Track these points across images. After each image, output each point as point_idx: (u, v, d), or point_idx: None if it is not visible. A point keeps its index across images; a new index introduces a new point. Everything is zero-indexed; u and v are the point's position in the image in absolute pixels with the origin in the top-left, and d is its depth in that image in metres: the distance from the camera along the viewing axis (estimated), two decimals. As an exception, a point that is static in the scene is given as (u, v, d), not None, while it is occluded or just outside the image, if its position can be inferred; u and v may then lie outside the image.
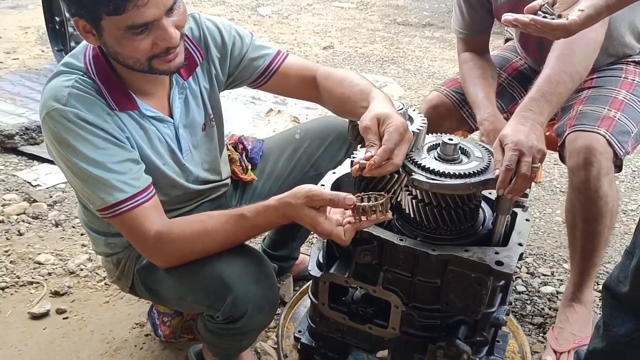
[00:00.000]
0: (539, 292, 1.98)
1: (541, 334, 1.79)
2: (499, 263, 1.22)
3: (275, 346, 1.68)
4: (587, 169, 1.58)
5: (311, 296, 1.53)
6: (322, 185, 1.44)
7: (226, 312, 1.30)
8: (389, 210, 1.19)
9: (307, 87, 1.52)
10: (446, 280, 1.29)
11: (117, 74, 1.31)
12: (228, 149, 1.67)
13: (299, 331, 1.64)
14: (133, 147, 1.31)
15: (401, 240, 1.27)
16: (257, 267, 1.33)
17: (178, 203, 1.48)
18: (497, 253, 1.25)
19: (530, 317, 1.88)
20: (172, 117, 1.41)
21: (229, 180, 1.63)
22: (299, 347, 1.61)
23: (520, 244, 1.29)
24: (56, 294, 1.96)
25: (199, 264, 1.30)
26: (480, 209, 1.40)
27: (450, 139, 1.29)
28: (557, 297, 1.97)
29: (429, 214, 1.31)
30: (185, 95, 1.43)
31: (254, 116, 3.27)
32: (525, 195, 1.24)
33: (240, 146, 1.69)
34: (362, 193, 1.21)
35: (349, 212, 1.18)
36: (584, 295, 1.76)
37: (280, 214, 1.21)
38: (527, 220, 1.38)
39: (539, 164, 1.21)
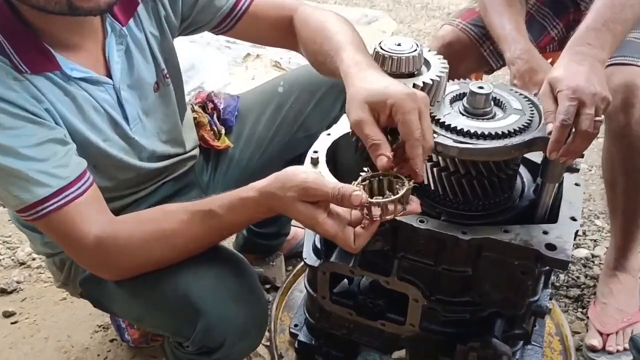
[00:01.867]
0: (572, 256, 1.75)
1: (579, 309, 1.57)
2: (551, 247, 0.97)
3: (268, 343, 1.44)
4: (627, 111, 1.35)
5: (308, 287, 1.28)
6: (316, 152, 1.17)
7: (198, 342, 1.04)
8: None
9: (282, 33, 1.23)
10: (480, 269, 1.04)
11: (25, 22, 0.98)
12: (194, 111, 1.36)
13: (295, 325, 1.40)
14: (57, 123, 1.00)
15: (421, 222, 1.01)
16: (236, 279, 1.05)
17: (130, 187, 1.19)
18: (546, 233, 1.00)
19: (565, 288, 1.65)
20: (110, 77, 1.10)
21: (196, 151, 1.33)
22: (296, 345, 1.37)
23: (573, 218, 1.04)
24: (3, 292, 1.70)
25: (157, 276, 1.02)
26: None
27: (481, 87, 1.02)
28: (592, 261, 1.75)
29: (456, 185, 1.05)
30: (127, 46, 1.12)
31: (229, 62, 2.96)
32: (582, 156, 0.97)
33: (210, 105, 1.38)
34: (368, 173, 0.92)
35: None
36: (629, 262, 1.54)
37: (263, 209, 0.94)
38: (577, 185, 1.12)
39: (602, 116, 0.94)
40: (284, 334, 1.44)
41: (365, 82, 0.90)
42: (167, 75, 1.19)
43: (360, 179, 0.91)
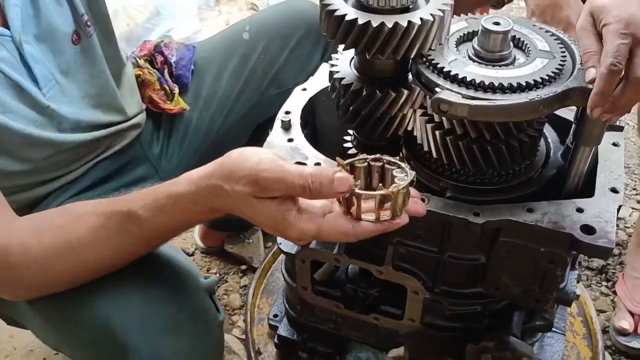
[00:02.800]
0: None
1: (604, 282, 1.37)
2: (588, 229, 0.78)
3: (243, 337, 1.25)
4: None
5: (285, 277, 1.07)
6: (288, 113, 0.95)
7: None
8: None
9: None
10: (497, 257, 0.84)
11: None
12: (138, 66, 1.11)
13: (275, 315, 1.21)
14: None
15: (422, 200, 0.80)
16: (174, 300, 0.82)
17: (53, 169, 0.95)
18: (581, 211, 0.79)
19: (586, 259, 1.44)
20: (7, 28, 0.85)
21: (141, 117, 1.09)
22: (275, 340, 1.17)
23: (614, 190, 0.83)
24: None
25: (73, 297, 0.80)
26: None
27: (497, 23, 0.79)
28: (617, 226, 1.53)
29: (465, 152, 0.84)
30: None
31: (200, 6, 2.69)
32: (628, 111, 0.75)
33: (159, 59, 1.13)
34: (364, 156, 0.69)
35: None
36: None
37: (203, 209, 0.71)
38: (615, 145, 0.91)
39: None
40: (262, 325, 1.25)
41: None
42: (89, 23, 0.93)
43: (343, 162, 0.68)
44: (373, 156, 0.71)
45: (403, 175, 0.66)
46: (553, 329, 1.14)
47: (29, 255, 0.75)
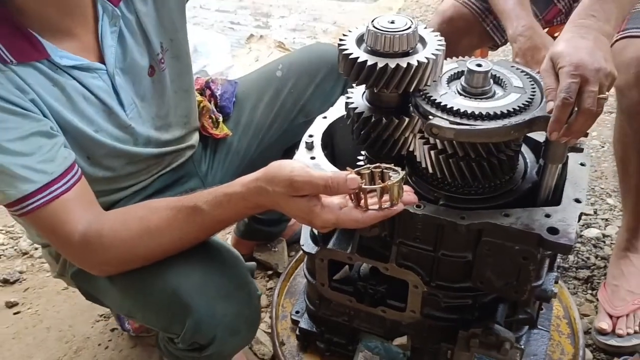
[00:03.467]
0: (581, 236, 1.71)
1: (589, 291, 1.54)
2: (553, 230, 0.94)
3: (270, 330, 1.43)
4: None
5: (307, 275, 1.26)
6: (311, 136, 1.14)
7: (187, 339, 1.02)
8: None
9: None
10: (481, 255, 1.02)
11: (9, 6, 0.95)
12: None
13: (297, 312, 1.39)
14: (44, 115, 0.97)
15: (418, 207, 0.99)
16: (225, 274, 1.03)
17: (128, 178, 1.17)
18: (548, 216, 0.97)
19: (575, 270, 1.61)
20: (103, 63, 1.06)
21: (196, 139, 1.31)
22: (297, 332, 1.36)
23: (577, 200, 1.01)
24: (5, 282, 1.70)
25: (146, 272, 1.00)
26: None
27: (479, 65, 0.98)
28: (603, 241, 1.71)
29: (454, 168, 1.02)
30: (120, 28, 1.08)
31: (232, 44, 2.91)
32: (585, 135, 0.93)
33: (208, 92, 1.35)
34: (367, 165, 0.92)
35: None
36: (641, 243, 1.48)
37: (251, 204, 0.92)
38: (582, 165, 1.09)
39: (607, 93, 0.90)
40: (285, 321, 1.42)
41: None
42: (163, 60, 1.15)
43: (352, 170, 0.89)
44: (374, 165, 0.91)
45: (397, 175, 0.86)
46: (539, 327, 1.30)
47: (118, 238, 0.96)
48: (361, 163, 1.13)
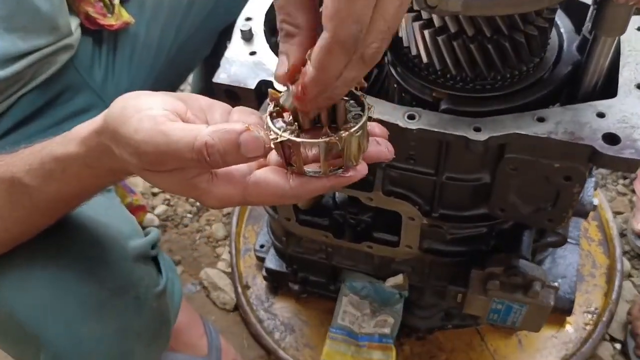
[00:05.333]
0: None
1: (620, 181, 1.25)
2: (613, 139, 0.65)
3: (229, 270, 1.16)
4: None
5: (266, 207, 0.97)
6: (249, 19, 0.80)
7: None
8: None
9: None
10: (503, 177, 0.72)
11: None
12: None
13: (261, 246, 1.12)
14: None
15: (411, 117, 0.68)
16: (93, 276, 0.68)
17: None
18: (602, 116, 0.66)
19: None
20: None
21: (74, 38, 0.87)
22: (263, 272, 1.09)
23: (640, 87, 0.69)
24: None
25: None
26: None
27: None
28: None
29: (461, 54, 0.69)
30: None
31: None
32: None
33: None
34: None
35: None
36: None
37: (103, 172, 0.56)
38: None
39: None
40: (249, 256, 1.16)
41: None
42: None
43: (271, 105, 0.49)
44: None
45: (359, 110, 0.48)
46: (570, 240, 1.04)
47: None
48: None
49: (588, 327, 1.04)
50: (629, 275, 1.11)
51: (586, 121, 0.66)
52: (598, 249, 1.10)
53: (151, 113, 0.47)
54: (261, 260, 1.09)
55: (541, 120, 0.66)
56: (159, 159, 0.46)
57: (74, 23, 0.87)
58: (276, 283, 1.10)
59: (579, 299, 1.03)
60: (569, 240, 1.04)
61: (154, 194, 1.34)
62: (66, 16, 0.83)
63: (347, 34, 0.39)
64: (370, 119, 0.48)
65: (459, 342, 1.00)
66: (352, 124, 0.47)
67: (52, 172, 0.56)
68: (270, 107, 0.48)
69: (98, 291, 0.68)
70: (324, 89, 0.43)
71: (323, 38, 0.39)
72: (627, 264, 1.07)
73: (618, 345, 1.05)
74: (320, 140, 0.45)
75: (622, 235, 1.12)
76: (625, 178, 1.24)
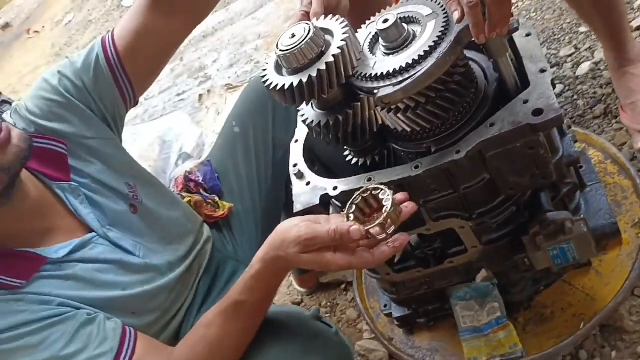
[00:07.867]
0: (577, 78, 1.69)
1: (613, 121, 1.52)
2: (538, 112, 0.95)
3: (373, 336, 1.47)
4: None
5: (370, 275, 1.29)
6: (295, 165, 1.17)
7: None
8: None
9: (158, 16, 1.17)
10: (494, 169, 1.03)
11: None
12: (182, 197, 1.37)
13: (385, 306, 1.42)
14: (77, 308, 1.02)
15: (416, 167, 1.01)
16: (297, 335, 1.05)
17: (175, 304, 1.21)
18: (526, 102, 0.97)
19: (590, 111, 1.60)
20: (92, 231, 1.12)
21: (208, 232, 1.35)
22: (395, 323, 1.39)
23: (542, 70, 1.01)
24: None
25: None
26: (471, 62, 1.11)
27: (385, 21, 0.99)
28: (599, 69, 1.68)
29: (425, 114, 1.03)
30: (84, 195, 1.13)
31: (190, 113, 2.94)
32: (511, 15, 0.93)
33: (192, 184, 1.39)
34: (357, 194, 0.95)
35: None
36: (630, 52, 1.46)
37: (275, 271, 0.96)
38: (528, 35, 1.08)
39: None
40: (381, 319, 1.46)
41: None
42: (136, 196, 1.19)
43: (347, 209, 0.93)
44: (360, 191, 0.94)
45: (387, 196, 0.90)
46: (588, 183, 1.30)
47: None
48: (350, 158, 1.17)
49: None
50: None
51: (519, 110, 0.97)
52: (619, 177, 1.34)
53: (304, 223, 0.91)
54: (389, 315, 1.40)
55: (492, 124, 0.97)
56: (311, 242, 0.87)
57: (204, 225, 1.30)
58: (408, 325, 1.39)
59: (625, 218, 1.26)
60: (589, 183, 1.30)
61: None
62: (199, 222, 1.26)
63: None
64: (393, 201, 0.89)
65: (555, 296, 1.24)
66: (387, 204, 0.89)
67: (252, 286, 0.97)
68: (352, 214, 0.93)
69: (303, 342, 1.04)
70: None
71: None
72: (645, 179, 1.31)
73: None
74: (377, 223, 0.88)
75: (633, 159, 1.37)
76: (616, 117, 1.50)
